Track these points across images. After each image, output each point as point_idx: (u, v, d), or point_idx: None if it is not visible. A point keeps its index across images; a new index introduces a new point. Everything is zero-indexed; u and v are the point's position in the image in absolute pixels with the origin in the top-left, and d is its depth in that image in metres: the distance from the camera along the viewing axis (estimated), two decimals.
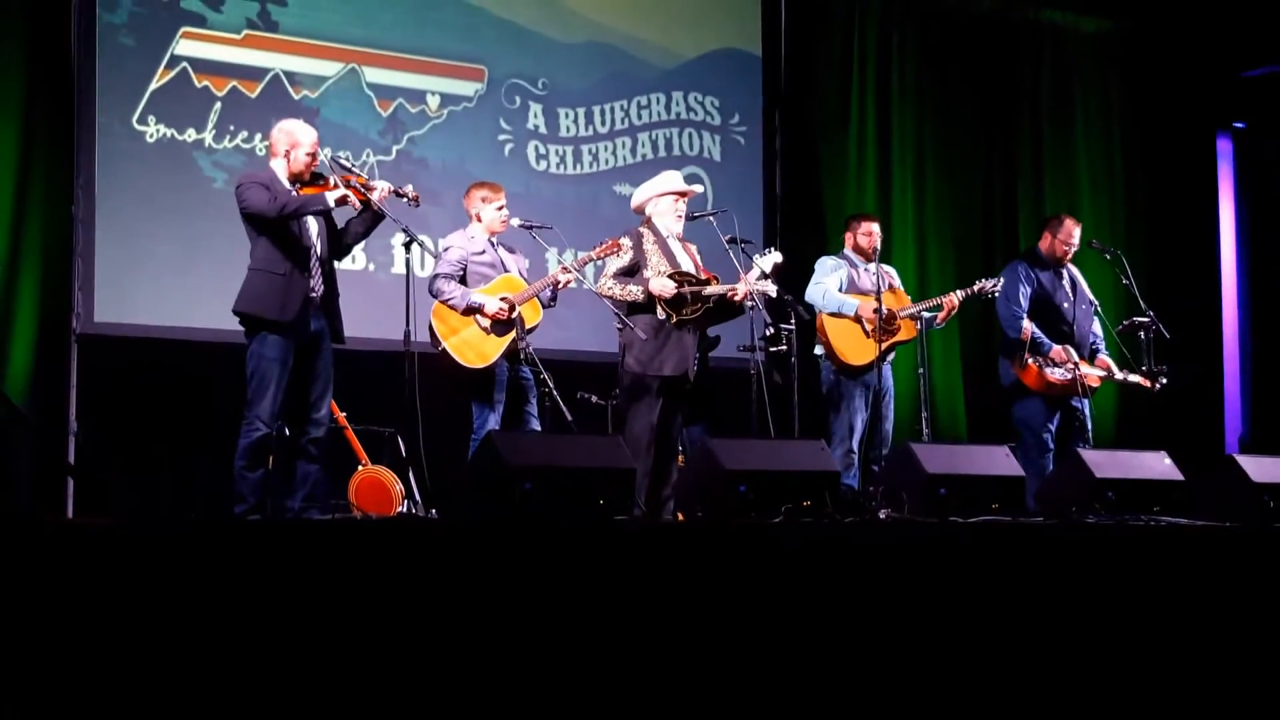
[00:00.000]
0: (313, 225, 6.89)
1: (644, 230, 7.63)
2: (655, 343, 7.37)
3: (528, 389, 7.66)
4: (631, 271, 7.51)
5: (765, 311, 7.58)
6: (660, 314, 7.41)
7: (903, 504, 6.72)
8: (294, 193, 6.87)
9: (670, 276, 7.43)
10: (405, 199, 7.17)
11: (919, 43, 11.26)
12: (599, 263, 7.67)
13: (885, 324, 8.12)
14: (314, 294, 6.86)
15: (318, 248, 6.91)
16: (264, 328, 6.78)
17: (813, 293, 8.44)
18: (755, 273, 7.53)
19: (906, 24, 11.24)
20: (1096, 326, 8.76)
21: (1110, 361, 8.61)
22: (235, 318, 6.90)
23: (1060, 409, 8.49)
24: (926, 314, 8.32)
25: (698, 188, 8.12)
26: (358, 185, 6.92)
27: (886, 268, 8.71)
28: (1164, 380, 8.46)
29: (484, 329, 7.53)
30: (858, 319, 8.31)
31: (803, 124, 10.95)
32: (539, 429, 7.69)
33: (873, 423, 8.32)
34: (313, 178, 6.95)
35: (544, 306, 7.67)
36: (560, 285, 7.61)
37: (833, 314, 8.36)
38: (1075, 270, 8.81)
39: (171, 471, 8.77)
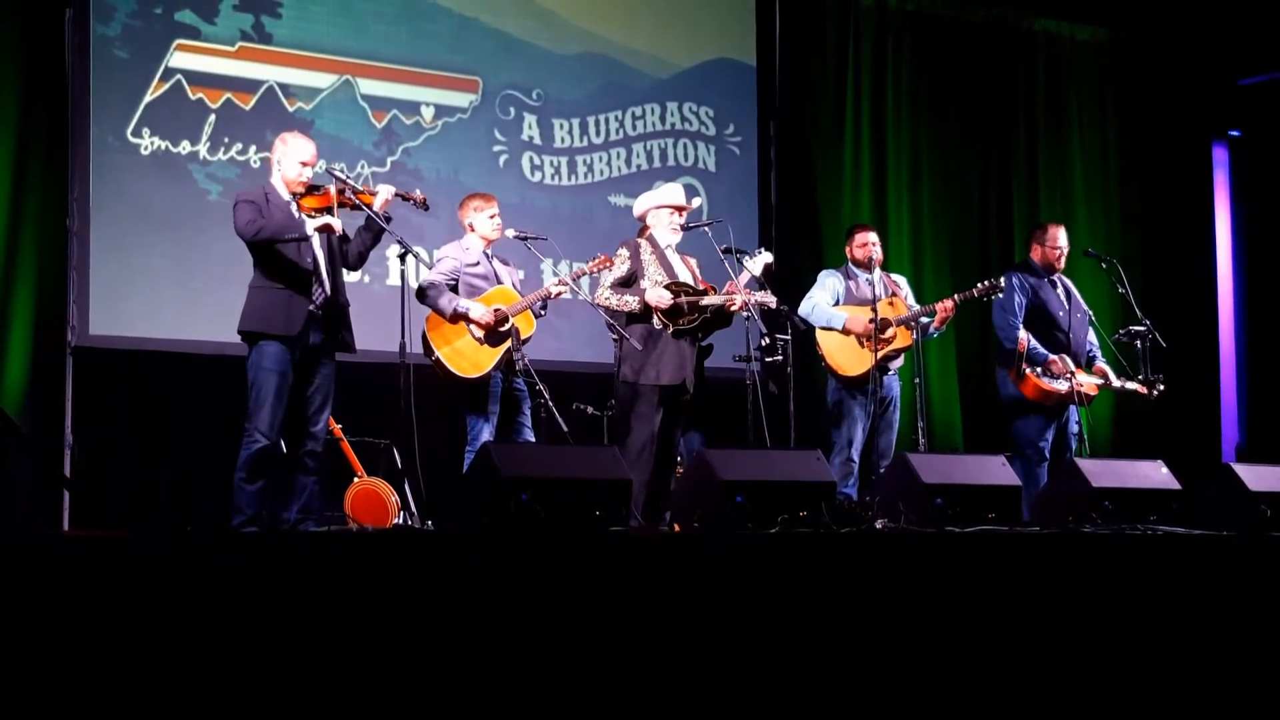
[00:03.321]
0: (315, 239, 6.88)
1: (642, 241, 7.65)
2: (653, 353, 7.38)
3: (521, 399, 7.67)
4: (629, 282, 7.52)
5: (761, 322, 7.58)
6: (657, 324, 7.42)
7: (899, 514, 6.71)
8: (293, 205, 6.87)
9: (667, 287, 7.44)
10: (412, 203, 7.19)
11: (914, 52, 11.27)
12: (593, 276, 7.67)
13: (878, 331, 8.12)
14: (315, 307, 6.86)
15: (321, 261, 6.90)
16: (263, 339, 6.78)
17: (804, 307, 8.44)
18: (746, 275, 7.55)
19: (901, 33, 11.25)
20: (1091, 335, 8.77)
21: (1108, 369, 8.61)
22: (230, 328, 6.89)
23: (1057, 419, 8.50)
24: (922, 320, 8.31)
25: (697, 201, 8.12)
26: (351, 196, 6.92)
27: (895, 276, 8.72)
28: (1160, 388, 8.46)
29: (477, 339, 7.53)
30: (846, 332, 8.30)
31: (798, 134, 10.95)
32: (532, 439, 7.70)
33: (873, 432, 8.31)
34: (310, 189, 6.95)
35: (535, 316, 7.67)
36: (552, 296, 7.63)
37: (823, 329, 8.37)
38: (1068, 280, 8.84)
39: (167, 484, 8.76)
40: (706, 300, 7.45)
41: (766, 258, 7.69)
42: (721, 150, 10.62)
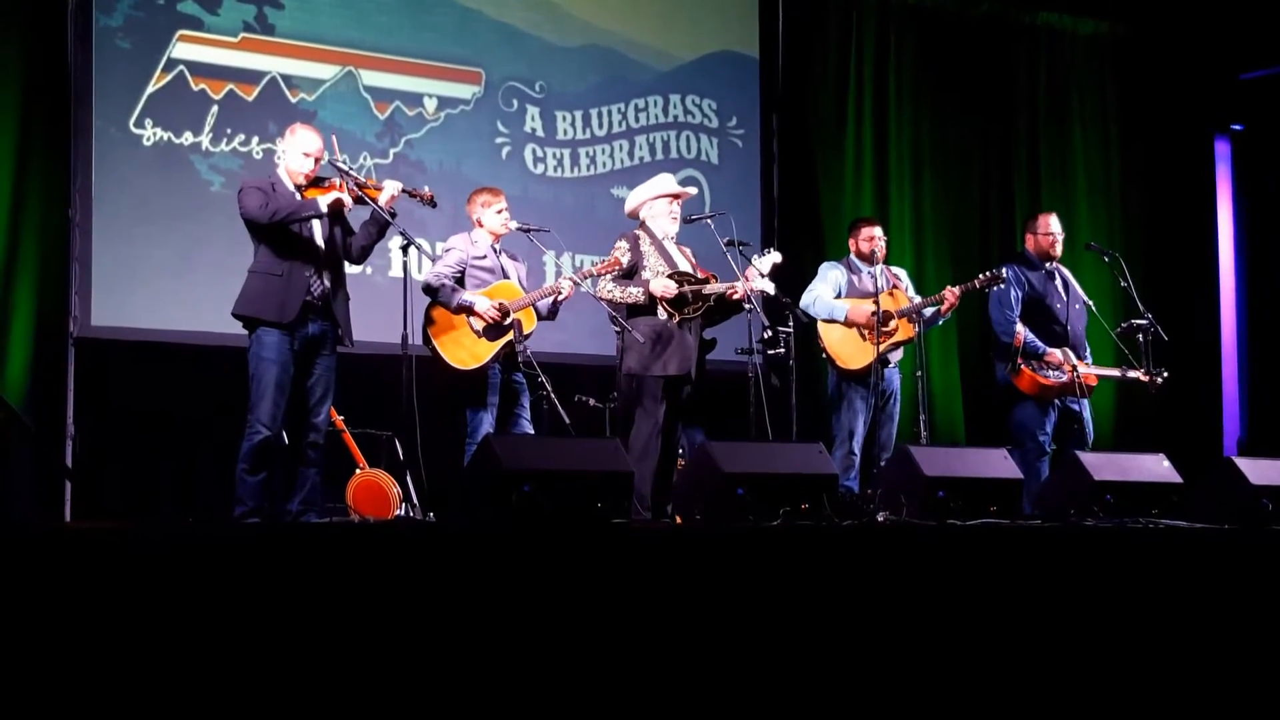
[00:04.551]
0: (316, 228, 6.89)
1: (640, 233, 7.65)
2: (658, 344, 7.38)
3: (519, 391, 7.66)
4: (630, 273, 7.53)
5: (763, 314, 7.58)
6: (662, 314, 7.42)
7: (901, 507, 6.71)
8: (298, 196, 6.88)
9: (670, 276, 7.44)
10: (419, 199, 7.19)
11: (916, 45, 11.25)
12: (600, 276, 7.66)
13: (880, 324, 8.11)
14: (313, 297, 6.86)
15: (321, 250, 6.91)
16: (261, 327, 6.79)
17: (806, 299, 8.43)
18: (754, 273, 7.54)
19: (904, 27, 11.23)
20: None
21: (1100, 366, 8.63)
22: (233, 320, 6.91)
23: (1057, 412, 8.49)
24: (926, 311, 8.30)
25: (691, 190, 8.11)
26: (356, 189, 6.92)
27: (896, 269, 8.71)
28: (1163, 377, 8.42)
29: (476, 331, 7.52)
30: (848, 323, 8.29)
31: (800, 127, 10.94)
32: (530, 430, 7.69)
33: (874, 425, 8.29)
34: (315, 182, 6.96)
35: (541, 319, 7.66)
36: (562, 298, 7.60)
37: (825, 320, 8.36)
38: (1066, 271, 8.82)
39: (169, 475, 8.77)
40: (709, 288, 7.46)
41: (775, 257, 7.68)
42: (724, 143, 10.61)
